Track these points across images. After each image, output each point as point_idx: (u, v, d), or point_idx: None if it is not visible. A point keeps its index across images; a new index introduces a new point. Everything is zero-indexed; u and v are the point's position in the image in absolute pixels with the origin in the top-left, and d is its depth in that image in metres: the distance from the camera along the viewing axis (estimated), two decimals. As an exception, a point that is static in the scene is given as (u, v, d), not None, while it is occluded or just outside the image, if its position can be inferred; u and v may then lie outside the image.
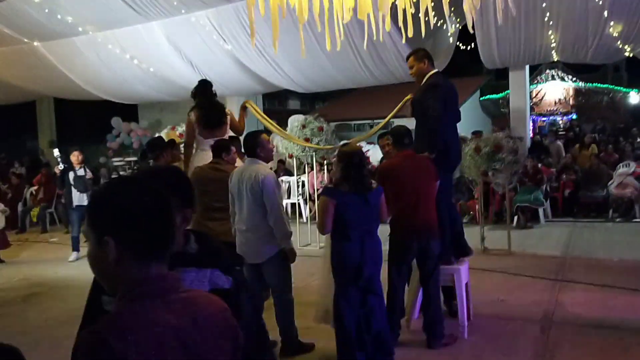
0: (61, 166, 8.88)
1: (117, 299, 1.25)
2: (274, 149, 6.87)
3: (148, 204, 1.27)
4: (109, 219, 1.24)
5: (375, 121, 14.08)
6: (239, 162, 4.99)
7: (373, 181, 4.11)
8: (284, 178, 11.37)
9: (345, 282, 3.97)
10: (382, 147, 5.40)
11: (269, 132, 7.59)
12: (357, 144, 5.40)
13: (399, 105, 5.89)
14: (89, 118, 17.59)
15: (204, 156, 5.24)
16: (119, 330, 1.15)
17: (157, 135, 9.70)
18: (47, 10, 9.31)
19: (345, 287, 3.97)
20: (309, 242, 8.55)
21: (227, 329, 1.32)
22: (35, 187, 12.42)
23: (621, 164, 10.33)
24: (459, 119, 5.01)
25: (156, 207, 1.28)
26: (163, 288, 1.25)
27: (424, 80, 4.86)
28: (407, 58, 5.07)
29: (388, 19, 3.82)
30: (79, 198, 8.66)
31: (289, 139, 8.15)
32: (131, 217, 1.24)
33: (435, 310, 4.49)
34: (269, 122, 7.04)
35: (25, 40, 10.94)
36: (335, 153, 4.30)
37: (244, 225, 4.27)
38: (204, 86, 5.69)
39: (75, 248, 8.79)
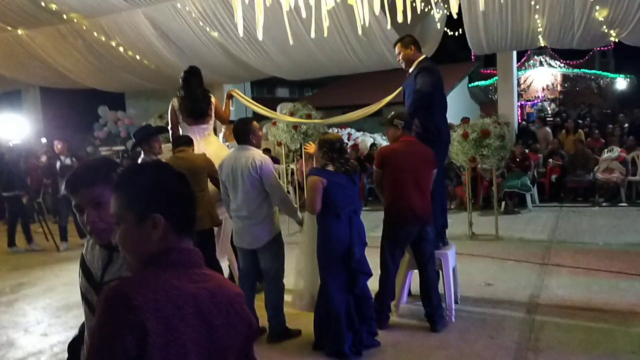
0: (50, 154, 8.82)
1: (140, 268, 1.34)
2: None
3: (179, 185, 1.40)
4: (159, 198, 1.35)
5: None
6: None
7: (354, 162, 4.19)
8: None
9: (335, 264, 3.96)
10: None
11: (258, 119, 7.57)
12: (340, 134, 5.41)
13: (394, 93, 5.81)
14: (75, 107, 17.42)
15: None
16: (139, 287, 1.23)
17: (144, 124, 9.62)
18: (30, -3, 9.20)
19: (335, 269, 3.97)
20: (299, 230, 8.55)
21: (243, 312, 1.37)
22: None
23: (606, 149, 10.42)
24: (446, 107, 5.02)
25: (186, 188, 1.42)
26: (188, 260, 1.35)
27: (414, 66, 4.85)
28: (394, 45, 5.07)
29: (377, 2, 3.82)
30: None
31: (280, 118, 8.10)
32: (174, 195, 1.38)
33: (435, 294, 4.54)
34: (257, 106, 6.98)
35: (9, 28, 10.79)
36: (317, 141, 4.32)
37: (243, 212, 4.28)
38: (190, 74, 5.63)
39: (64, 237, 8.75)
